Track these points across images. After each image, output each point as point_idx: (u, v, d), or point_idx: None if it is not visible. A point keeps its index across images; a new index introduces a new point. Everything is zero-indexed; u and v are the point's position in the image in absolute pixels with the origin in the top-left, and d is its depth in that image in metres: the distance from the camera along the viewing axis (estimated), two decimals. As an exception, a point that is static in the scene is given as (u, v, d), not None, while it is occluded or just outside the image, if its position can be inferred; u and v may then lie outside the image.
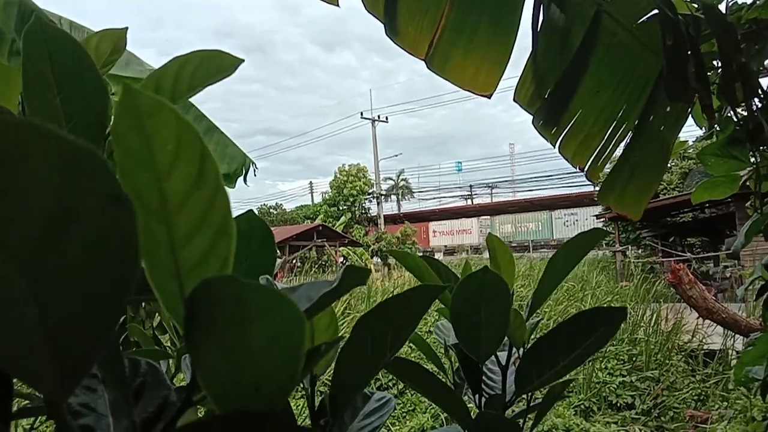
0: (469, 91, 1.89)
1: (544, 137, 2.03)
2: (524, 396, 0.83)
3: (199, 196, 0.30)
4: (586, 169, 2.08)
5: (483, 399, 0.83)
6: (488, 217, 46.37)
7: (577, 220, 39.65)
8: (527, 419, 0.84)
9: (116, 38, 0.83)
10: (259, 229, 0.63)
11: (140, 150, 0.28)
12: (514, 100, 2.02)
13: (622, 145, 2.05)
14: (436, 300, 0.84)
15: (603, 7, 1.84)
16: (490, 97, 1.91)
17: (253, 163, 4.24)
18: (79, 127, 0.66)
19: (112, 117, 0.28)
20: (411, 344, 0.98)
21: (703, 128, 2.47)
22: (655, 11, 1.79)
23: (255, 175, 4.32)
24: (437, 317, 1.05)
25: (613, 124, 2.03)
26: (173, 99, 0.69)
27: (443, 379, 0.82)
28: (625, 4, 1.86)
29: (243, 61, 0.72)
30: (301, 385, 0.61)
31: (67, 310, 0.26)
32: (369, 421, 0.63)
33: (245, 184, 4.21)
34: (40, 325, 0.25)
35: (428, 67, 1.87)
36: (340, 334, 0.60)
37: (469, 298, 0.73)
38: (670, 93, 1.65)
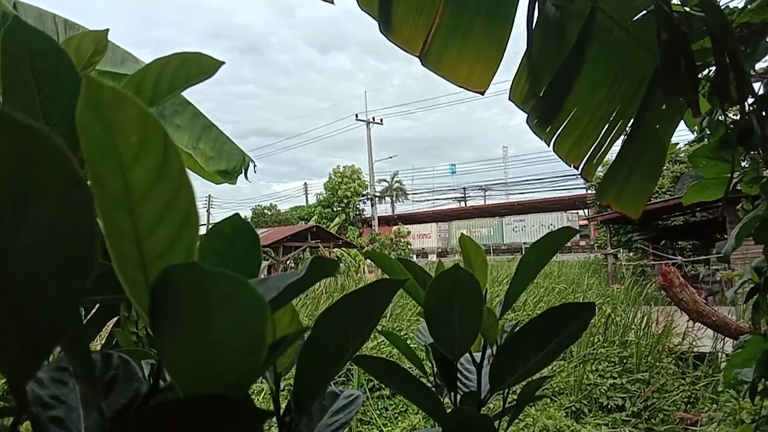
0: (463, 87, 1.90)
1: (538, 136, 2.03)
2: (501, 394, 0.84)
3: (163, 187, 0.30)
4: (580, 167, 2.08)
5: (459, 397, 0.84)
6: (446, 222, 47.99)
7: (524, 227, 43.44)
8: (504, 415, 0.85)
9: (97, 39, 0.83)
10: (244, 232, 0.62)
11: (104, 141, 0.29)
12: (509, 98, 2.02)
13: (618, 143, 2.06)
14: (404, 300, 0.84)
15: (598, 4, 1.85)
16: (483, 94, 1.93)
17: (252, 160, 4.22)
18: (60, 126, 0.66)
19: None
20: (396, 348, 0.98)
21: (695, 132, 2.49)
22: (650, 9, 1.80)
23: (255, 173, 4.29)
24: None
25: (608, 122, 2.03)
26: (154, 99, 0.70)
27: (425, 381, 0.83)
28: (621, 2, 1.86)
29: (223, 63, 0.72)
30: (266, 384, 0.61)
31: (29, 292, 0.26)
32: (337, 418, 0.63)
33: (246, 179, 4.18)
34: (3, 305, 0.25)
35: (423, 64, 1.88)
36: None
37: (442, 295, 0.73)
38: (664, 86, 1.67)
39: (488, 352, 0.88)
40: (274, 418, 0.55)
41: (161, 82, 0.69)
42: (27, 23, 0.63)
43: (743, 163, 2.19)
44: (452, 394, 0.85)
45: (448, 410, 0.77)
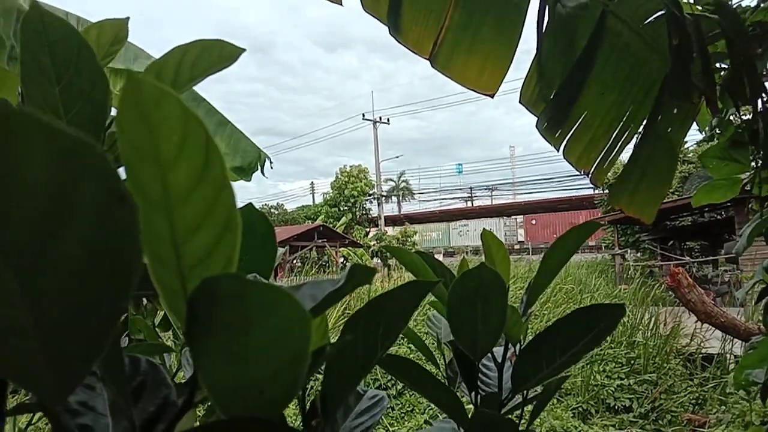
0: (472, 90, 1.88)
1: (548, 141, 2.01)
2: (521, 393, 0.83)
3: (204, 190, 0.29)
4: (591, 172, 2.06)
5: (479, 396, 0.83)
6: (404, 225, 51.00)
7: (468, 231, 47.55)
8: (523, 416, 0.84)
9: (117, 29, 0.82)
10: (259, 223, 0.61)
11: (145, 141, 0.27)
12: (519, 102, 2.01)
13: (629, 147, 2.04)
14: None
15: (609, 7, 1.83)
16: (493, 97, 1.90)
17: (268, 157, 4.19)
18: (79, 118, 0.64)
19: (116, 107, 0.27)
20: (410, 345, 0.98)
21: (704, 132, 2.48)
22: (662, 12, 1.78)
23: (272, 168, 4.26)
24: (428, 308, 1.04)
25: (619, 126, 2.01)
26: (175, 88, 0.68)
27: (436, 373, 0.82)
28: (632, 5, 1.85)
29: (244, 50, 0.70)
30: None
31: (63, 314, 0.25)
32: (362, 420, 0.62)
33: (263, 175, 4.15)
34: (34, 328, 0.25)
35: (432, 66, 1.87)
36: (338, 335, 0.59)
37: (466, 295, 0.72)
38: (673, 91, 1.65)
39: (509, 350, 0.86)
40: (299, 420, 0.55)
41: (182, 71, 0.68)
42: (47, 10, 0.61)
43: (752, 164, 2.18)
44: (473, 394, 0.84)
45: (468, 409, 0.76)
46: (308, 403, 0.57)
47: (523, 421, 0.84)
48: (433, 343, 0.97)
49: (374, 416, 0.62)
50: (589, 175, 2.07)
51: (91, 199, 0.24)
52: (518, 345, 0.84)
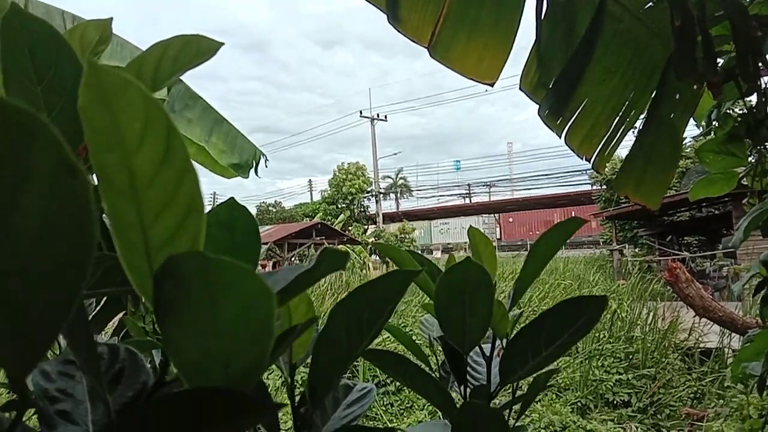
0: (472, 79, 1.87)
1: (549, 127, 2.00)
2: (509, 387, 0.84)
3: (168, 174, 0.30)
4: (592, 160, 2.05)
5: (468, 390, 0.84)
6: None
7: (449, 229, 49.16)
8: (512, 410, 0.85)
9: (101, 28, 0.82)
10: (242, 218, 0.61)
11: (108, 128, 0.28)
12: (519, 88, 2.00)
13: (630, 134, 2.03)
14: (423, 296, 0.84)
15: None
16: (493, 85, 1.89)
17: (263, 154, 4.21)
18: (62, 116, 0.65)
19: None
20: (401, 344, 0.99)
21: (701, 126, 2.47)
22: None
23: (267, 167, 4.28)
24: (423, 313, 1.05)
25: (621, 112, 2.00)
26: (155, 84, 0.69)
27: (431, 374, 0.83)
28: None
29: (223, 44, 0.72)
30: (281, 375, 0.61)
31: (22, 284, 0.25)
32: (351, 410, 0.63)
33: (257, 175, 4.17)
34: None
35: (431, 55, 1.86)
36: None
37: (453, 289, 0.73)
38: (679, 71, 1.63)
39: (497, 345, 0.87)
40: (289, 409, 0.56)
41: (162, 67, 0.69)
42: (26, 11, 0.62)
43: (749, 158, 2.18)
44: (462, 387, 0.85)
45: (457, 403, 0.77)
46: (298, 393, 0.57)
47: (514, 415, 0.84)
48: (428, 346, 0.98)
49: (363, 406, 0.63)
50: (591, 162, 2.06)
51: (42, 171, 0.24)
52: (505, 339, 0.85)
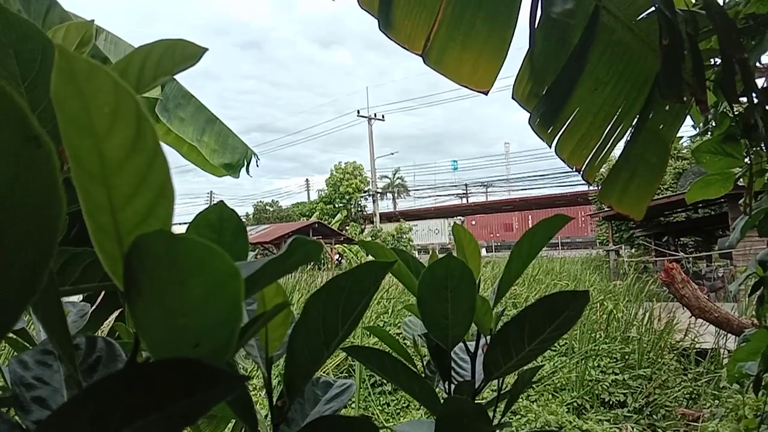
0: (466, 87, 1.86)
1: (540, 137, 2.00)
2: (495, 385, 0.84)
3: (138, 159, 0.30)
4: (582, 170, 2.05)
5: (453, 386, 0.84)
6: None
7: (417, 230, 48.86)
8: (498, 407, 0.85)
9: (83, 29, 0.82)
10: (230, 220, 0.62)
11: (79, 114, 0.28)
12: (512, 97, 1.99)
13: (621, 144, 2.03)
14: (407, 297, 0.84)
15: (602, 3, 1.82)
16: (487, 94, 1.89)
17: (255, 154, 4.21)
18: (46, 114, 0.64)
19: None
20: (384, 344, 0.99)
21: (698, 127, 2.47)
22: (653, 8, 1.78)
23: (258, 166, 4.29)
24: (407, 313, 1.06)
25: (611, 123, 2.01)
26: (139, 87, 0.69)
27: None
28: (625, 1, 1.84)
29: (207, 50, 0.72)
30: (258, 368, 0.60)
31: None
32: (330, 406, 0.64)
33: (248, 174, 4.17)
34: None
35: (425, 63, 1.85)
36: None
37: (435, 284, 0.73)
38: (663, 90, 1.65)
39: (482, 341, 0.88)
40: (266, 404, 0.55)
41: (145, 71, 0.68)
42: (8, 9, 0.62)
43: (745, 160, 2.17)
44: (446, 383, 0.85)
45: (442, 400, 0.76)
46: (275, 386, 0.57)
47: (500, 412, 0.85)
48: (412, 349, 0.98)
49: (341, 401, 0.64)
50: (581, 172, 2.06)
51: (6, 142, 0.24)
52: (489, 335, 0.85)
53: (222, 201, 0.63)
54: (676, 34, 1.56)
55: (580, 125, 1.99)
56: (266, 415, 0.64)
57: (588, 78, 1.92)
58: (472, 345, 0.88)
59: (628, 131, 2.01)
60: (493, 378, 0.80)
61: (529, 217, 46.77)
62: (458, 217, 51.61)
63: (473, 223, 50.78)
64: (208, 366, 0.28)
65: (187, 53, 0.69)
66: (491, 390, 0.87)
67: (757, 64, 1.96)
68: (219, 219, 0.59)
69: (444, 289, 0.73)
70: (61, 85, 0.27)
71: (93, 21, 0.83)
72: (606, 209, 19.84)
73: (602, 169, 2.11)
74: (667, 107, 1.95)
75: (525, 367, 0.80)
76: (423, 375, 0.89)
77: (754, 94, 1.78)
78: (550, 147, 2.02)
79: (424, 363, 0.93)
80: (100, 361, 0.45)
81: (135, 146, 0.29)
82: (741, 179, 2.19)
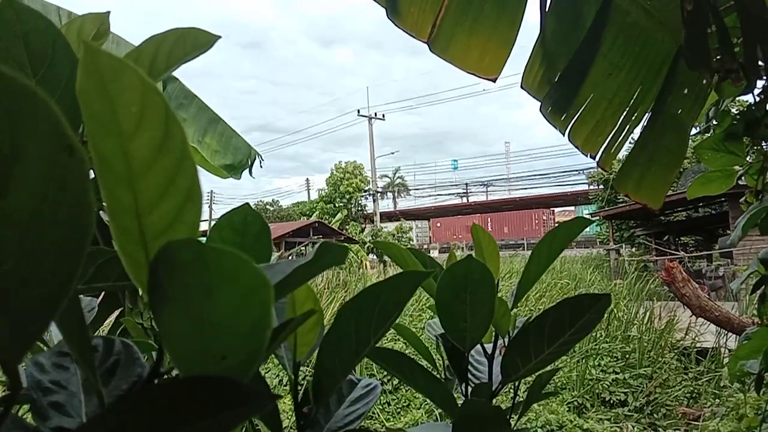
0: (473, 74, 1.83)
1: (552, 125, 1.95)
2: (511, 387, 0.83)
3: (165, 161, 0.29)
4: (597, 157, 2.01)
5: (470, 388, 0.83)
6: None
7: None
8: (514, 407, 0.84)
9: (98, 22, 0.81)
10: (254, 223, 0.61)
11: (104, 113, 0.27)
12: (521, 86, 1.95)
13: (637, 130, 1.99)
14: (430, 298, 0.84)
15: None
16: (495, 81, 1.85)
17: (258, 154, 4.19)
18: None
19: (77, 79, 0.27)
20: (407, 341, 0.98)
21: (698, 126, 2.47)
22: None
23: (261, 167, 4.26)
24: (432, 315, 1.05)
25: (627, 108, 1.95)
26: (151, 76, 0.68)
27: (435, 374, 0.82)
28: None
29: (219, 37, 0.71)
30: (285, 373, 0.60)
31: (17, 265, 0.25)
32: (355, 407, 0.62)
33: (251, 175, 4.15)
34: None
35: (431, 50, 1.81)
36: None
37: (454, 286, 0.72)
38: (689, 59, 1.58)
39: (499, 343, 0.87)
40: (292, 408, 0.55)
41: (158, 60, 0.68)
42: (19, 2, 0.61)
43: (747, 158, 2.17)
44: (463, 385, 0.84)
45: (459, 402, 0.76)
46: (301, 391, 0.56)
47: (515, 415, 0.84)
48: (434, 350, 0.97)
49: (368, 404, 0.62)
50: (596, 159, 2.01)
51: (40, 148, 0.23)
52: (507, 337, 0.84)
53: (247, 203, 0.63)
54: (701, 0, 1.50)
55: (595, 111, 1.94)
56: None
57: (602, 62, 1.87)
58: (487, 346, 0.87)
59: (645, 117, 1.96)
60: (511, 380, 0.79)
61: (489, 219, 47.78)
62: (423, 220, 52.53)
63: (438, 225, 51.40)
64: (236, 384, 0.27)
65: (199, 41, 0.69)
66: (503, 393, 0.86)
67: (759, 63, 1.96)
68: (243, 222, 0.58)
69: (463, 290, 0.72)
70: (86, 83, 0.27)
71: (108, 12, 0.82)
72: (607, 208, 19.83)
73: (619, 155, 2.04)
74: (686, 90, 1.88)
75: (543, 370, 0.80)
76: (444, 377, 0.89)
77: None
78: (563, 134, 1.97)
79: (445, 365, 0.92)
80: (119, 364, 0.44)
81: (163, 147, 0.29)
82: (743, 177, 2.19)
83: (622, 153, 2.06)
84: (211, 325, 0.30)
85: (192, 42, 0.68)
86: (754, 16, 1.53)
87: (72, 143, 0.23)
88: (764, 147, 2.15)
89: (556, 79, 1.90)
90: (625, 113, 1.95)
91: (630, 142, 2.05)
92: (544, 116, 1.94)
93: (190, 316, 0.30)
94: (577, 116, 1.94)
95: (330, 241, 0.37)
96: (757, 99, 1.83)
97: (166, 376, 0.40)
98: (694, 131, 2.06)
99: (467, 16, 1.77)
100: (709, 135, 2.21)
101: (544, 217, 44.09)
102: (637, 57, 1.88)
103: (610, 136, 1.98)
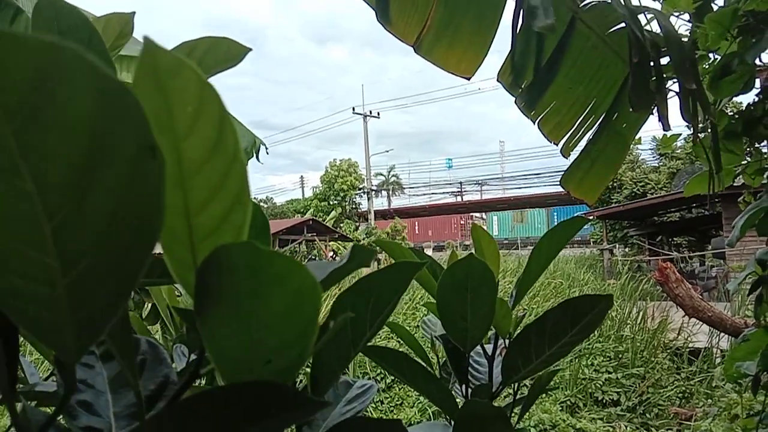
0: (452, 73, 2.10)
1: (525, 115, 2.29)
2: (510, 387, 0.83)
3: (217, 162, 0.29)
4: (560, 147, 2.36)
5: (470, 389, 0.83)
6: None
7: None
8: (514, 408, 0.84)
9: (123, 22, 0.81)
10: (255, 217, 0.61)
11: (160, 111, 0.27)
12: (497, 79, 2.24)
13: (588, 134, 2.35)
14: (426, 295, 0.84)
15: (578, 15, 2.07)
16: (469, 79, 2.13)
17: (263, 143, 4.16)
18: None
19: (133, 75, 0.27)
20: (400, 339, 0.98)
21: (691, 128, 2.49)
22: (624, 24, 1.96)
23: (267, 153, 4.24)
24: (425, 312, 1.05)
25: (583, 116, 2.32)
26: None
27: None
28: (598, 15, 2.10)
29: (251, 50, 0.70)
30: None
31: (89, 266, 0.24)
32: (351, 406, 0.62)
33: (258, 161, 4.13)
34: (62, 278, 0.24)
35: (416, 52, 2.05)
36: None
37: (455, 286, 0.72)
38: (633, 103, 1.81)
39: (500, 343, 0.87)
40: None
41: None
42: (58, 0, 0.61)
43: (746, 157, 2.19)
44: (463, 386, 0.84)
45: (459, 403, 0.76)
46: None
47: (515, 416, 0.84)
48: (429, 348, 0.97)
49: (363, 402, 0.63)
50: (559, 147, 2.36)
51: (126, 146, 0.23)
52: (507, 338, 0.84)
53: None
54: (645, 53, 1.74)
55: (557, 113, 2.30)
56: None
57: (564, 77, 2.20)
58: (486, 347, 0.87)
59: (596, 126, 2.31)
60: (512, 381, 0.79)
61: (461, 219, 50.11)
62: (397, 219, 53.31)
63: (415, 224, 52.10)
64: (285, 389, 0.27)
65: (231, 53, 0.68)
66: (505, 392, 0.87)
67: (757, 62, 1.98)
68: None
69: (464, 290, 0.72)
70: (143, 80, 0.26)
71: (134, 13, 0.82)
72: (601, 208, 19.91)
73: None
74: (631, 109, 2.15)
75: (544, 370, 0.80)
76: (440, 377, 0.89)
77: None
78: (534, 123, 2.32)
79: (440, 363, 0.92)
80: (145, 364, 0.43)
81: (216, 149, 0.28)
82: (741, 176, 2.23)
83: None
84: (261, 329, 0.30)
85: (224, 54, 0.67)
86: (684, 72, 1.80)
87: (155, 144, 0.23)
88: (763, 147, 2.18)
89: (524, 86, 2.23)
90: (581, 118, 2.33)
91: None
92: (517, 106, 2.27)
93: (238, 319, 0.29)
94: (543, 114, 2.30)
95: (360, 245, 0.38)
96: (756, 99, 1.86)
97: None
98: (688, 132, 2.28)
99: (447, 33, 2.04)
100: (706, 134, 2.23)
101: (462, 222, 48.06)
102: (593, 76, 2.23)
103: (569, 133, 2.35)
